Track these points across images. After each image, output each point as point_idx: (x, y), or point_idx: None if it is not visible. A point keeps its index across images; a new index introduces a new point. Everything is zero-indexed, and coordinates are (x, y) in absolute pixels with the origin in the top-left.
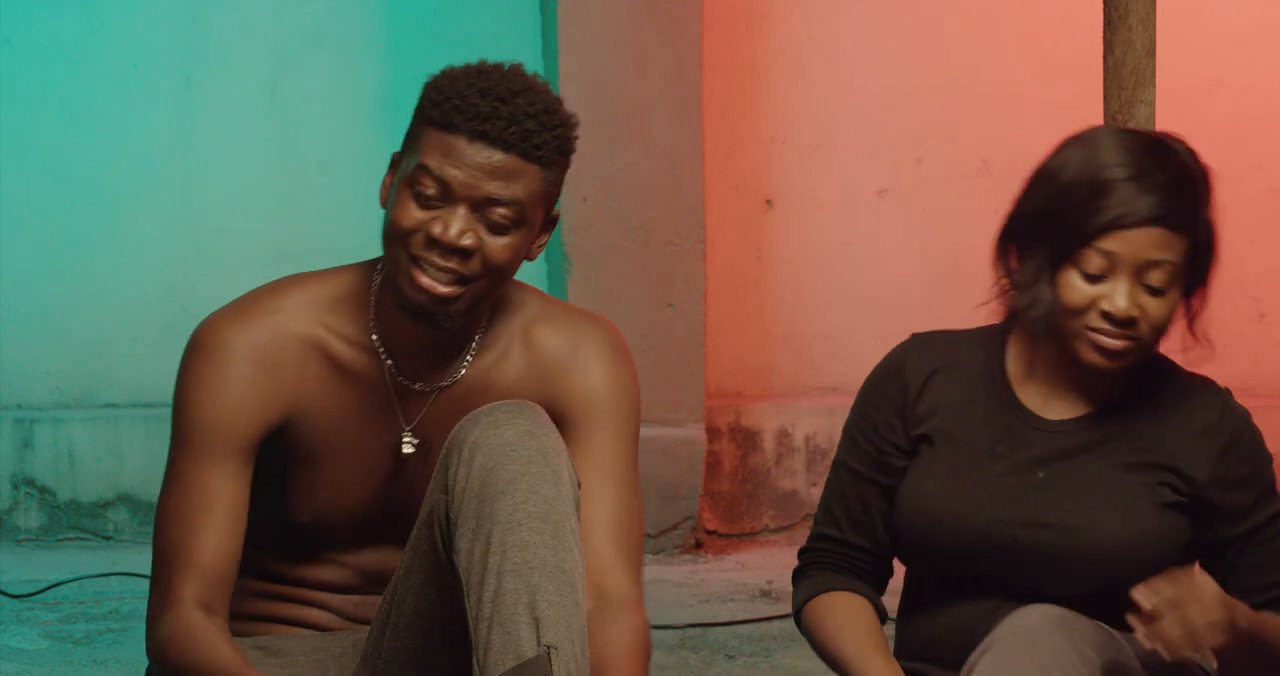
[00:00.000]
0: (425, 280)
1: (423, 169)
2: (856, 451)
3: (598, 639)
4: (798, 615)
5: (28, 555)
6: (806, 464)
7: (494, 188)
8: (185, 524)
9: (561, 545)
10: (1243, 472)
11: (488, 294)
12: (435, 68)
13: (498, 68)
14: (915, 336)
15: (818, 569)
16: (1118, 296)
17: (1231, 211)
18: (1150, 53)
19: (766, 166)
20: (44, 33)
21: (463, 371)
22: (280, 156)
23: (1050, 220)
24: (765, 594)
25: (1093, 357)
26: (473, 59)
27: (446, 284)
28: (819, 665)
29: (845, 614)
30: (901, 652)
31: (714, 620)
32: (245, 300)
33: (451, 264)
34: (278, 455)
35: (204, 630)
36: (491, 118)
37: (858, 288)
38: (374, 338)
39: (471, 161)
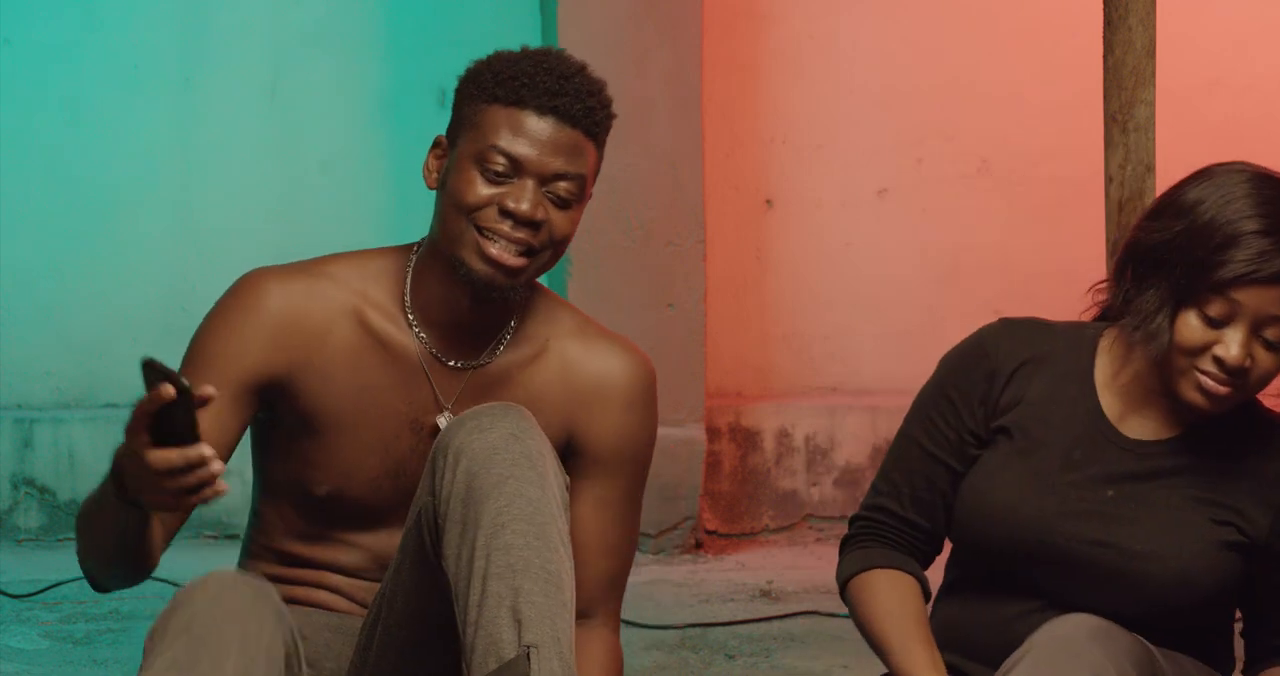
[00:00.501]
0: (494, 251)
1: (493, 147)
2: (933, 431)
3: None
4: (843, 587)
5: (28, 555)
6: (806, 464)
7: (562, 163)
8: None
9: (547, 546)
10: None
11: (546, 267)
12: (435, 67)
13: (548, 49)
14: (1005, 321)
15: (870, 540)
16: (1233, 345)
17: None
18: (1150, 53)
19: (766, 166)
20: (44, 33)
21: (496, 355)
22: (280, 156)
23: (1180, 257)
24: (765, 594)
25: (1194, 398)
26: (472, 60)
27: (516, 255)
28: (819, 665)
29: (894, 596)
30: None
31: (714, 620)
32: (294, 263)
33: (522, 235)
34: (298, 419)
35: None
36: (560, 94)
37: (858, 288)
38: (409, 315)
39: (543, 136)
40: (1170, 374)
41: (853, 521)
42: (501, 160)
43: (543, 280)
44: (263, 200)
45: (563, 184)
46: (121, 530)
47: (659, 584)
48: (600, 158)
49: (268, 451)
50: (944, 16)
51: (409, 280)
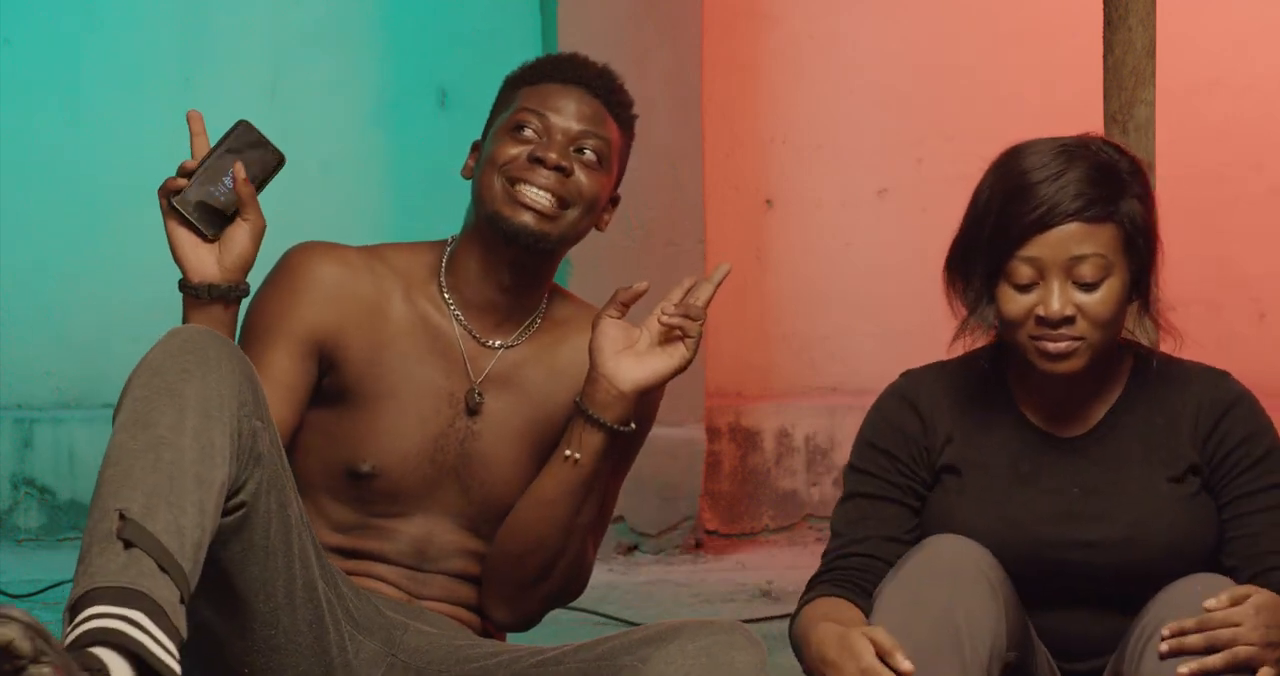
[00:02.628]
0: (529, 196)
1: (523, 109)
2: (880, 483)
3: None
4: (790, 631)
5: (28, 555)
6: (806, 464)
7: (588, 125)
8: None
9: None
10: (1238, 436)
11: (575, 230)
12: (435, 67)
13: (575, 55)
14: (907, 374)
15: (821, 584)
16: (1050, 299)
17: (1231, 211)
18: (1150, 53)
19: (766, 166)
20: (44, 33)
21: (525, 337)
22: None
23: (976, 241)
24: (765, 594)
25: (1045, 364)
26: (472, 59)
27: (549, 200)
28: None
29: (825, 609)
30: None
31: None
32: (344, 245)
33: (552, 182)
34: (346, 388)
35: None
36: (583, 70)
37: (858, 288)
38: (446, 297)
39: (569, 102)
40: (1022, 353)
41: (810, 582)
42: (532, 120)
43: None
44: (262, 200)
45: (590, 142)
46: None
47: (659, 584)
48: (625, 145)
49: (310, 433)
50: (944, 17)
51: (444, 267)
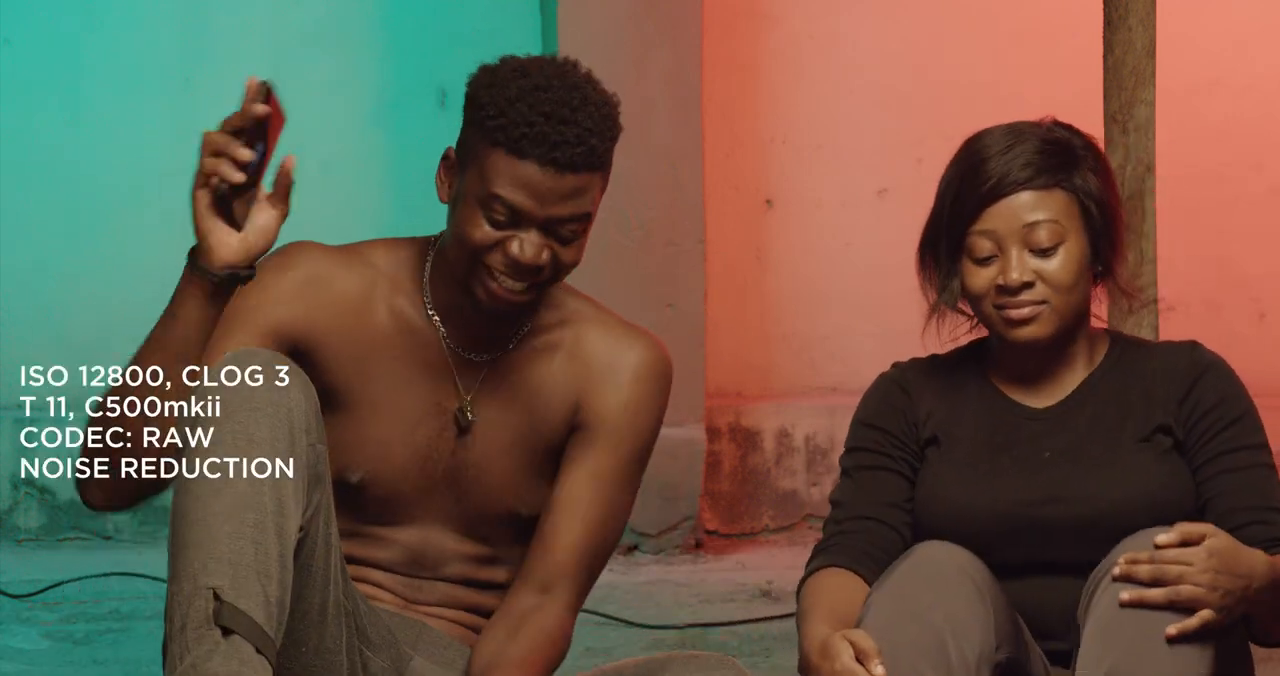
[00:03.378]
0: (501, 291)
1: (495, 197)
2: (876, 455)
3: (515, 632)
4: (798, 595)
5: (28, 555)
6: (806, 464)
7: (566, 208)
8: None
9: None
10: (1212, 400)
11: (554, 286)
12: (435, 67)
13: (549, 80)
14: (897, 364)
15: (824, 553)
16: (1010, 268)
17: (1231, 211)
18: (1150, 53)
19: (766, 166)
20: (44, 33)
21: (511, 347)
22: (280, 156)
23: (937, 223)
24: (765, 594)
25: (1011, 332)
26: (472, 59)
27: (521, 292)
28: None
29: (826, 587)
30: None
31: (714, 620)
32: (326, 245)
33: (526, 281)
34: (331, 391)
35: None
36: (561, 145)
37: (858, 288)
38: (429, 308)
39: (544, 188)
40: (991, 327)
41: (815, 549)
42: (504, 211)
43: None
44: None
45: (567, 226)
46: (183, 330)
47: (659, 584)
48: (607, 175)
49: None
50: (944, 16)
51: (427, 274)
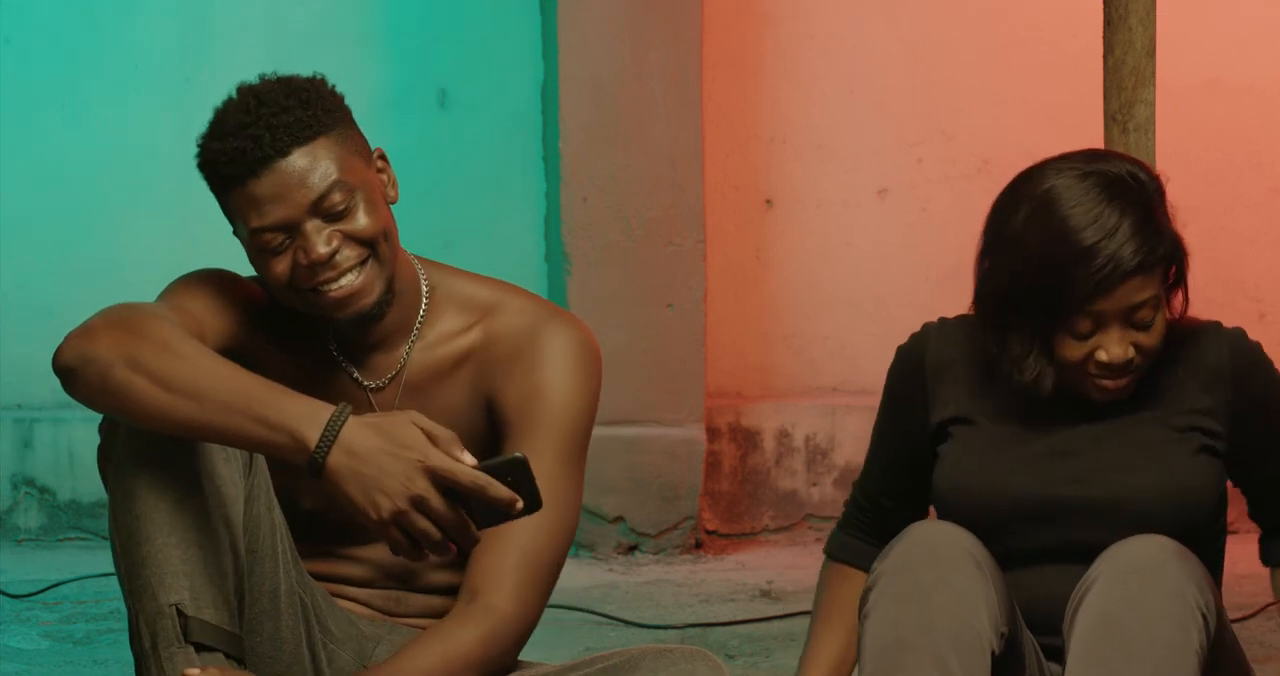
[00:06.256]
0: (338, 294)
1: (255, 231)
2: (888, 426)
3: (448, 634)
4: (825, 562)
5: (28, 555)
6: (806, 464)
7: (309, 190)
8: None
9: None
10: (1261, 399)
11: (390, 261)
12: (435, 67)
13: (225, 112)
14: (941, 320)
15: (851, 526)
16: (1112, 347)
17: (1231, 211)
18: (1150, 53)
19: (766, 166)
20: (44, 32)
21: (406, 354)
22: None
23: (1028, 296)
24: (765, 594)
25: (1102, 396)
26: (472, 59)
27: (350, 281)
28: None
29: (833, 594)
30: None
31: (714, 620)
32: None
33: (335, 269)
34: None
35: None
36: (254, 148)
37: (858, 287)
38: (334, 350)
39: (274, 189)
40: (1073, 386)
41: (846, 504)
42: (268, 236)
43: (542, 280)
44: None
45: (327, 201)
46: (223, 440)
47: (659, 584)
48: (345, 132)
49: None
50: (944, 16)
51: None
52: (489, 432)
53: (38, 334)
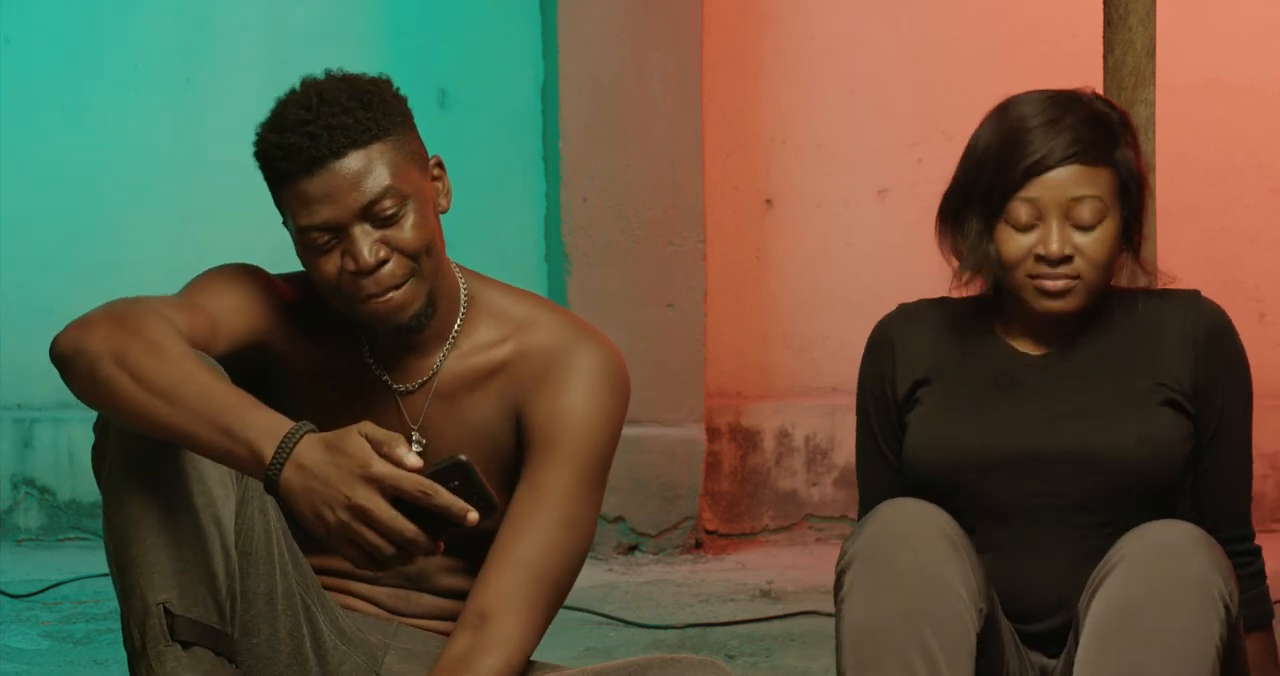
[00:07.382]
0: (380, 307)
1: (303, 229)
2: (870, 428)
3: (459, 668)
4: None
5: (28, 555)
6: (806, 464)
7: (359, 195)
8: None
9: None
10: (1220, 369)
11: (434, 275)
12: (435, 67)
13: (285, 105)
14: (901, 306)
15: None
16: (1050, 240)
17: (1231, 211)
18: (1150, 53)
19: (766, 166)
20: (44, 33)
21: (439, 363)
22: None
23: (975, 185)
24: (765, 594)
25: (1042, 304)
26: (472, 59)
27: (394, 292)
28: (819, 665)
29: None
30: None
31: (714, 620)
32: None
33: (380, 278)
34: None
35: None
36: (310, 146)
37: (858, 287)
38: (366, 344)
39: (327, 189)
40: (1017, 294)
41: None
42: (315, 234)
43: (542, 280)
44: (263, 200)
45: (377, 206)
46: (197, 450)
47: (659, 584)
48: (404, 138)
49: None
50: (944, 16)
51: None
52: (515, 447)
53: (38, 334)
